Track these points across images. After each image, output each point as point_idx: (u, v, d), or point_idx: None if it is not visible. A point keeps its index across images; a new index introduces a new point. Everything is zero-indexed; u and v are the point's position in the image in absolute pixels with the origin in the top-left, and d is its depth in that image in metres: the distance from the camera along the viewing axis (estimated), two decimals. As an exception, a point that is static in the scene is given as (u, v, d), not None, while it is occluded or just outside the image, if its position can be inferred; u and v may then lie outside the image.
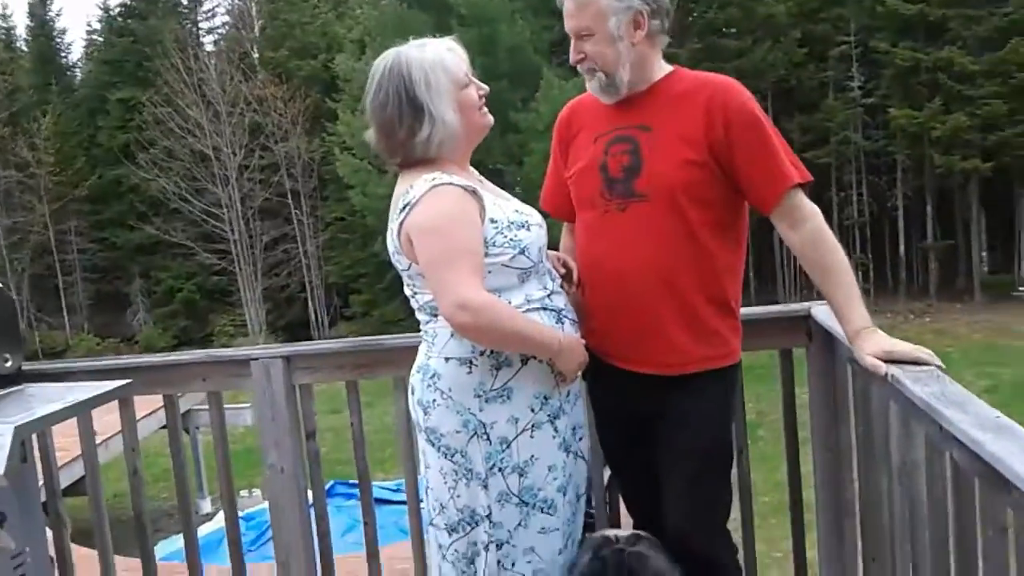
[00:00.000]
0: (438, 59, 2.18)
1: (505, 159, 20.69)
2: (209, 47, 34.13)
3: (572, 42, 2.30)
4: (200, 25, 35.28)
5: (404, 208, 2.12)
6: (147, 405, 5.31)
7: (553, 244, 2.37)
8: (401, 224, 2.13)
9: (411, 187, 2.13)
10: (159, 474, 10.56)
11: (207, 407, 3.00)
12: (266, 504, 3.18)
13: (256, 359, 2.75)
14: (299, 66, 29.88)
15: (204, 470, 11.80)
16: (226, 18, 35.35)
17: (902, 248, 25.61)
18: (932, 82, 23.69)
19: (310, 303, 29.19)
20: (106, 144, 30.62)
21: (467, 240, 2.09)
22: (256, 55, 32.23)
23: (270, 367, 2.74)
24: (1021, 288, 23.09)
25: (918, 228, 26.15)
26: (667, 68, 2.34)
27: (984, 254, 25.11)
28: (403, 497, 2.93)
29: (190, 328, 29.59)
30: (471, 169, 2.31)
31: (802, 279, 25.21)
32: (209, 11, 35.52)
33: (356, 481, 2.97)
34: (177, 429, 2.85)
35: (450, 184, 2.11)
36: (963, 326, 20.97)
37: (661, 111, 2.28)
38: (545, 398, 2.18)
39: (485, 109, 2.24)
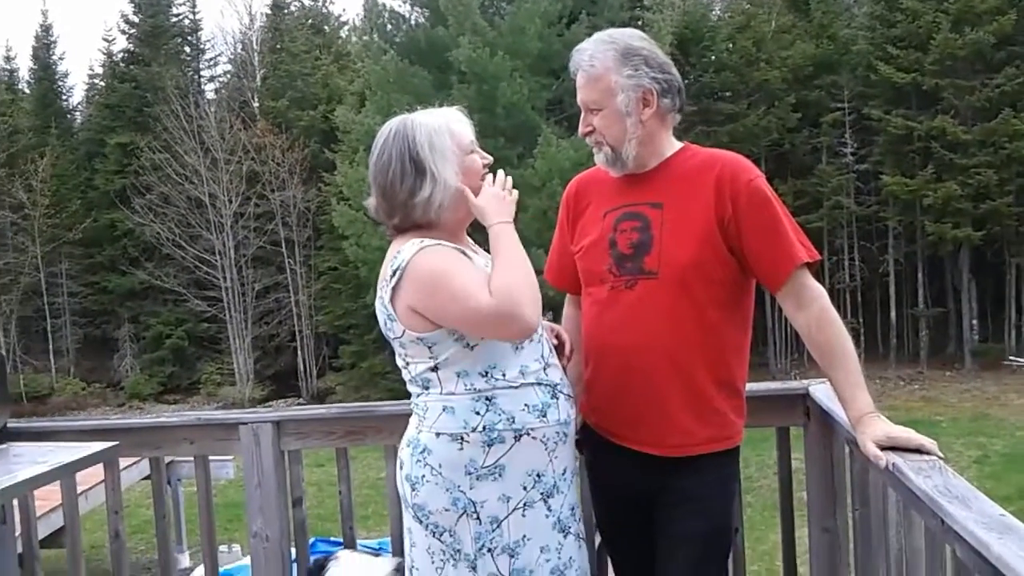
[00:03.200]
0: (444, 123, 2.18)
1: (500, 215, 20.73)
2: (210, 95, 34.42)
3: (582, 114, 2.31)
4: (202, 73, 35.55)
5: (395, 274, 2.10)
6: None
7: (554, 307, 2.36)
8: (394, 290, 2.10)
9: (399, 252, 2.12)
10: (137, 526, 10.39)
11: (189, 459, 2.94)
12: (246, 561, 3.12)
13: (245, 424, 2.70)
14: (298, 116, 30.09)
15: (184, 523, 11.60)
16: (228, 67, 35.71)
17: (893, 314, 25.66)
18: (924, 150, 23.93)
19: (299, 353, 29.00)
20: (102, 188, 30.62)
21: (465, 279, 2.06)
22: (256, 104, 32.47)
23: (259, 432, 2.70)
24: (1012, 358, 23.08)
25: (909, 294, 26.23)
26: (677, 145, 2.35)
27: (974, 322, 25.13)
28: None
29: (177, 375, 29.33)
30: (467, 240, 2.29)
31: (793, 342, 25.22)
32: (211, 59, 35.83)
33: (337, 539, 2.93)
34: (162, 492, 2.79)
35: (438, 245, 2.11)
36: (953, 394, 20.92)
37: (672, 188, 2.27)
38: (538, 475, 2.13)
39: (490, 179, 2.24)
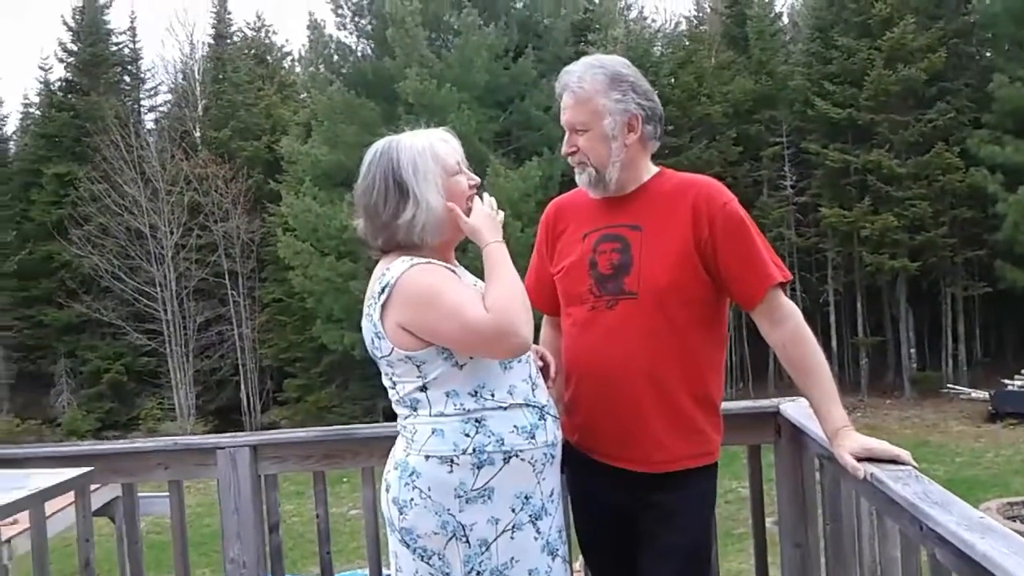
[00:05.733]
0: (427, 145, 2.21)
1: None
2: (150, 125, 33.97)
3: (567, 135, 2.35)
4: (142, 103, 35.05)
5: (384, 291, 2.11)
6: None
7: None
8: (383, 307, 2.11)
9: (388, 269, 2.13)
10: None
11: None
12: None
13: (223, 448, 2.68)
14: (242, 146, 29.82)
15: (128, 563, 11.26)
16: (169, 97, 35.28)
17: (834, 343, 26.16)
18: (861, 183, 24.59)
19: (243, 387, 28.50)
20: (38, 219, 29.88)
21: (458, 296, 2.09)
22: (198, 134, 32.07)
23: (236, 456, 2.67)
24: (950, 385, 23.65)
25: (849, 324, 26.79)
26: (654, 169, 2.41)
27: (912, 351, 25.76)
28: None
29: (116, 411, 28.57)
30: (455, 261, 2.31)
31: (738, 371, 25.55)
32: (152, 89, 35.39)
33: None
34: (136, 520, 2.74)
35: (428, 263, 2.13)
36: (894, 422, 21.36)
37: (650, 211, 2.33)
38: (526, 498, 2.14)
39: (479, 200, 2.25)
